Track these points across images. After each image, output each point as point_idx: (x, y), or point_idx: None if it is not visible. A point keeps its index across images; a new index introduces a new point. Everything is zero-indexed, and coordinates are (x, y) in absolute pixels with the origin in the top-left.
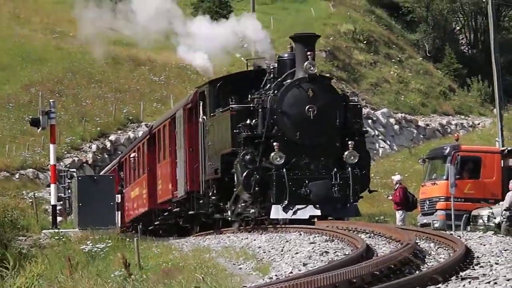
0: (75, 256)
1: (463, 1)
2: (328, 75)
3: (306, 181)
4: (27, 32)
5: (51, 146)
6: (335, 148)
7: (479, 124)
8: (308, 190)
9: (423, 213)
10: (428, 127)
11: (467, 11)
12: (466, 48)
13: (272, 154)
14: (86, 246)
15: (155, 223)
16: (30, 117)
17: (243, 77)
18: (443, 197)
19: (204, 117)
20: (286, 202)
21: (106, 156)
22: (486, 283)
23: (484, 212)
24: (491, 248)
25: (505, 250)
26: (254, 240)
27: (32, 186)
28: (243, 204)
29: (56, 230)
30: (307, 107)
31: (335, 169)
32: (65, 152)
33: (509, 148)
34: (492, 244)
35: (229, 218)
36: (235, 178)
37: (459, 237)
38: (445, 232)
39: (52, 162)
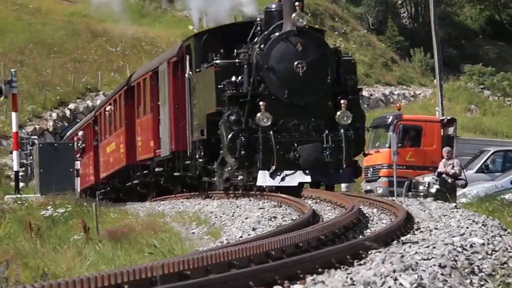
0: (36, 221)
1: None
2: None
3: (295, 145)
4: None
5: (13, 114)
6: (326, 108)
7: (420, 94)
8: (297, 155)
9: (367, 180)
10: (372, 97)
11: None
12: (408, 22)
13: (258, 115)
14: (46, 211)
15: (134, 181)
16: None
17: (232, 30)
18: (386, 165)
19: (190, 72)
20: (273, 167)
21: (66, 123)
22: (426, 247)
23: (425, 179)
24: (431, 213)
25: (444, 216)
26: (207, 205)
27: None
28: (229, 168)
29: (18, 196)
30: (295, 62)
31: (327, 131)
32: (27, 120)
33: (448, 118)
34: (432, 210)
35: (217, 183)
36: (221, 140)
37: (400, 203)
38: (388, 198)
39: (14, 129)
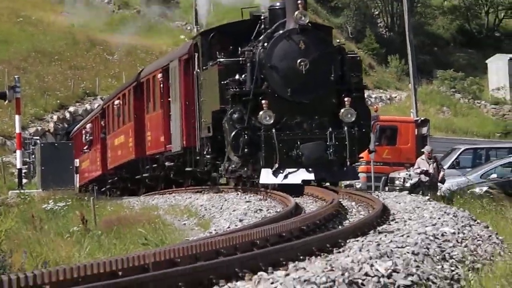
0: (38, 213)
1: None
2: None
3: (298, 143)
4: None
5: (17, 117)
6: (330, 106)
7: (396, 97)
8: (300, 153)
9: None
10: None
11: None
12: (384, 31)
13: (260, 113)
14: (48, 205)
15: (144, 174)
16: None
17: (240, 27)
18: (364, 161)
19: (198, 70)
20: (276, 165)
21: (66, 125)
22: (400, 236)
23: (401, 174)
24: (405, 206)
25: (418, 208)
26: (197, 199)
27: (0, 152)
28: (233, 166)
29: (22, 191)
30: (298, 60)
31: (330, 129)
32: (30, 122)
33: (422, 118)
34: (407, 202)
35: (225, 176)
36: (225, 137)
37: (377, 197)
38: (366, 192)
39: (17, 130)
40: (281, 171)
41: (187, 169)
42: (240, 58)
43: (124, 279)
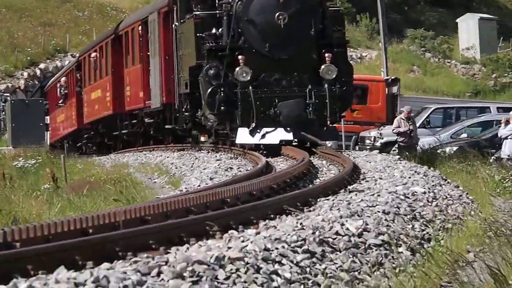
0: (8, 171)
1: None
2: None
3: (276, 100)
4: None
5: None
6: (310, 62)
7: (366, 56)
8: (278, 111)
9: None
10: None
11: None
12: None
13: (237, 69)
14: (18, 162)
15: (122, 130)
16: None
17: None
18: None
19: (177, 23)
20: (253, 124)
21: (36, 82)
22: (371, 195)
23: (371, 133)
24: (376, 165)
25: (388, 167)
26: (167, 157)
27: None
28: (209, 124)
29: None
30: (276, 14)
31: (310, 86)
32: (0, 79)
33: (392, 78)
34: (377, 161)
35: (207, 127)
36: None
37: (348, 156)
38: (336, 151)
39: None
40: (258, 131)
41: (167, 126)
42: (218, 11)
43: (94, 237)
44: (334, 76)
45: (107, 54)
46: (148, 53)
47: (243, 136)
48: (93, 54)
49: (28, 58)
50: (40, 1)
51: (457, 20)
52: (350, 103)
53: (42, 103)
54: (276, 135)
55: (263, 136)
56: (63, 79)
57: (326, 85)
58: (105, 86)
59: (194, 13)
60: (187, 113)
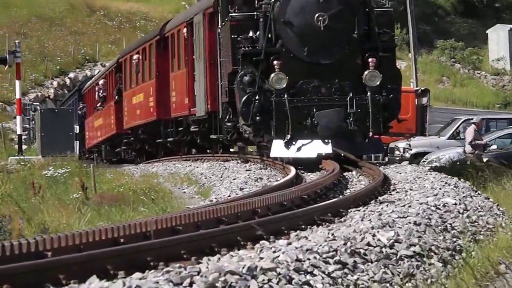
0: (38, 180)
1: None
2: None
3: (314, 110)
4: None
5: (17, 82)
6: (353, 67)
7: None
8: (315, 121)
9: None
10: None
11: None
12: (385, 0)
13: (272, 76)
14: (48, 171)
15: (167, 138)
16: None
17: None
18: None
19: (220, 26)
20: (288, 136)
21: (66, 91)
22: (402, 206)
23: (401, 144)
24: (406, 176)
25: (418, 178)
26: (197, 167)
27: (0, 118)
28: (246, 136)
29: (22, 157)
30: (316, 15)
31: (351, 94)
32: (30, 88)
33: (422, 88)
34: (407, 172)
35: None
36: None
37: (378, 166)
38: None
39: (18, 96)
40: (294, 143)
41: (212, 136)
42: (255, 13)
43: (126, 246)
44: (378, 83)
45: (151, 57)
46: (194, 57)
47: (277, 149)
48: (135, 56)
49: (58, 67)
50: (70, 10)
51: (487, 31)
52: (396, 112)
53: (72, 112)
54: (313, 148)
55: (299, 149)
56: (101, 81)
57: (369, 93)
58: (148, 91)
59: (230, 15)
60: (229, 124)
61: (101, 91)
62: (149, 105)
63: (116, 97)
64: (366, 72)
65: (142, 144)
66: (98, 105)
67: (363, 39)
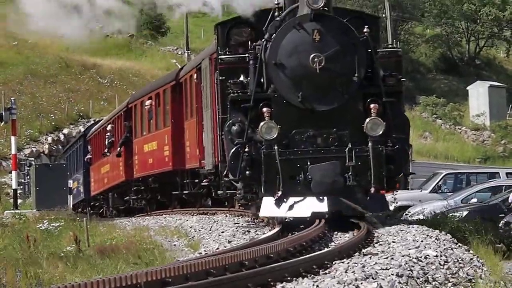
0: (32, 233)
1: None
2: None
3: (308, 163)
4: None
5: (12, 138)
6: (353, 114)
7: None
8: (309, 176)
9: None
10: None
11: None
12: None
13: (261, 124)
14: (42, 224)
15: (183, 190)
16: None
17: (263, 17)
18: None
19: (217, 71)
20: (279, 193)
21: (60, 147)
22: (384, 258)
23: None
24: (389, 229)
25: (401, 231)
26: (187, 220)
27: None
28: (238, 192)
29: (17, 211)
30: (311, 56)
31: (350, 145)
32: (25, 144)
33: None
34: (390, 225)
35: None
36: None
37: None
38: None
39: (13, 151)
40: (285, 200)
41: (219, 192)
42: (247, 55)
43: None
44: (380, 132)
45: (165, 103)
46: (202, 106)
47: (267, 207)
48: (147, 102)
49: (52, 123)
50: (64, 68)
51: (468, 88)
52: (404, 165)
53: (66, 167)
54: (307, 206)
55: (291, 207)
56: (109, 126)
57: (370, 143)
58: (162, 139)
59: (219, 57)
60: (226, 179)
61: (109, 137)
62: (164, 154)
63: (123, 146)
64: (367, 120)
65: (153, 194)
66: (105, 150)
67: (365, 82)
